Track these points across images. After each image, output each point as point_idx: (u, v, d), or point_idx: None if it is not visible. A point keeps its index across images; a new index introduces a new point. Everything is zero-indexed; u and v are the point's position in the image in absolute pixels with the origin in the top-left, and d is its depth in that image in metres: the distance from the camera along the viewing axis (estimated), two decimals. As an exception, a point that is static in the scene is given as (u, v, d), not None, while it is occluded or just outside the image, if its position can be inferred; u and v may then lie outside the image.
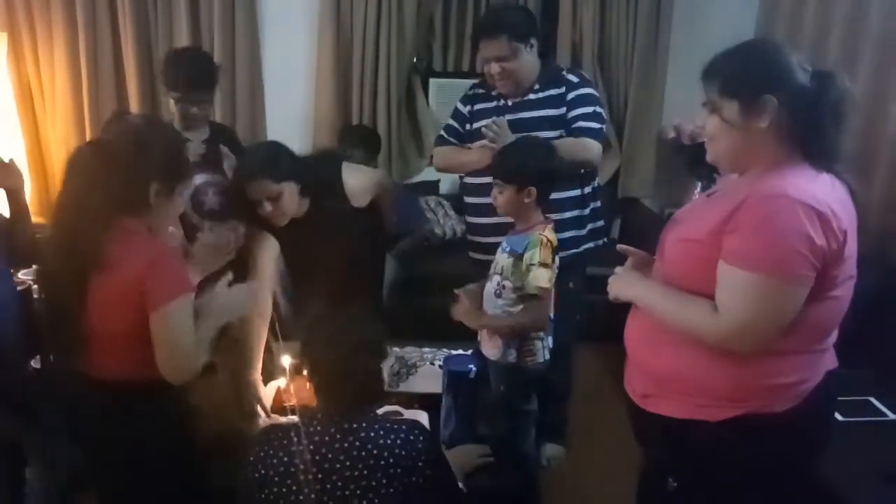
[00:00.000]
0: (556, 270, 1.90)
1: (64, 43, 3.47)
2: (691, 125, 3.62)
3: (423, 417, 1.84)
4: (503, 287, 1.93)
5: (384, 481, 1.37)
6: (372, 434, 1.39)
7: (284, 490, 1.37)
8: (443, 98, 3.85)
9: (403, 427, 1.44)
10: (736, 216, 1.27)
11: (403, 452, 1.39)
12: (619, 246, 1.58)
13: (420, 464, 1.40)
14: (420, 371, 2.20)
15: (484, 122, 2.24)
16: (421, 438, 1.43)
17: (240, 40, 3.51)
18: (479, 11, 3.74)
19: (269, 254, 2.15)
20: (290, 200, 2.02)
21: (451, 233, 3.66)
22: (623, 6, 3.56)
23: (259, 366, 2.04)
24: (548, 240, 1.88)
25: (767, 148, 1.32)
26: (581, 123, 2.23)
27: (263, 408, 1.98)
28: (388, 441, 1.39)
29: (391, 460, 1.38)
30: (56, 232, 1.52)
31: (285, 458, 1.38)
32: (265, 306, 2.10)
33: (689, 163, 3.72)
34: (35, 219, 3.39)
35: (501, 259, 1.96)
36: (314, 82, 3.63)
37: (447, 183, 3.93)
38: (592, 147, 2.21)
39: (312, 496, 1.35)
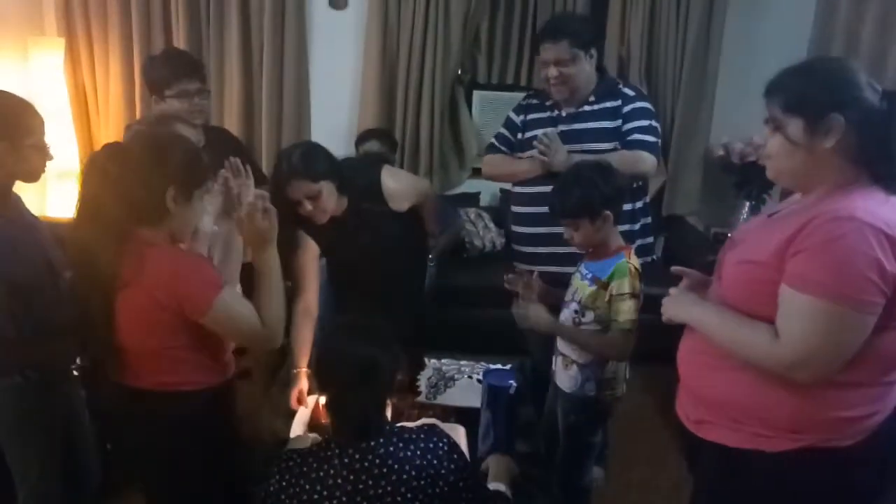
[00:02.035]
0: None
1: (119, 50, 3.56)
2: (741, 143, 3.54)
3: (460, 432, 1.81)
4: (582, 315, 1.88)
5: (409, 495, 1.34)
6: (391, 449, 1.36)
7: None
8: (486, 110, 3.85)
9: (422, 436, 1.41)
10: (800, 238, 1.22)
11: (425, 462, 1.36)
12: (673, 267, 1.53)
13: (443, 471, 1.37)
14: (458, 384, 2.17)
15: (536, 132, 2.24)
16: (440, 445, 1.40)
17: (288, 52, 3.56)
18: (526, 24, 3.73)
19: (310, 254, 2.16)
20: (329, 199, 2.05)
21: (490, 245, 3.64)
22: (673, 21, 3.50)
23: (304, 363, 2.04)
24: (635, 269, 1.83)
25: (832, 168, 1.27)
26: (636, 136, 2.22)
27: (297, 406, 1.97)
28: (408, 453, 1.36)
29: (413, 473, 1.35)
30: (77, 245, 1.50)
31: (307, 486, 1.35)
32: (311, 306, 2.11)
33: (738, 182, 3.64)
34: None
35: (581, 287, 1.89)
36: (359, 94, 3.66)
37: (487, 195, 3.92)
38: (647, 159, 2.20)
39: None
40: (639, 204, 2.35)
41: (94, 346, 1.53)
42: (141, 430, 1.56)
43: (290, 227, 2.06)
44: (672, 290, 1.51)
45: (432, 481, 1.36)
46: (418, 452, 1.37)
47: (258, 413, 2.05)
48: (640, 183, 2.35)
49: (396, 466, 1.35)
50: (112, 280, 1.43)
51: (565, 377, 1.94)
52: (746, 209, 3.64)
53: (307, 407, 1.96)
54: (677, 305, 1.46)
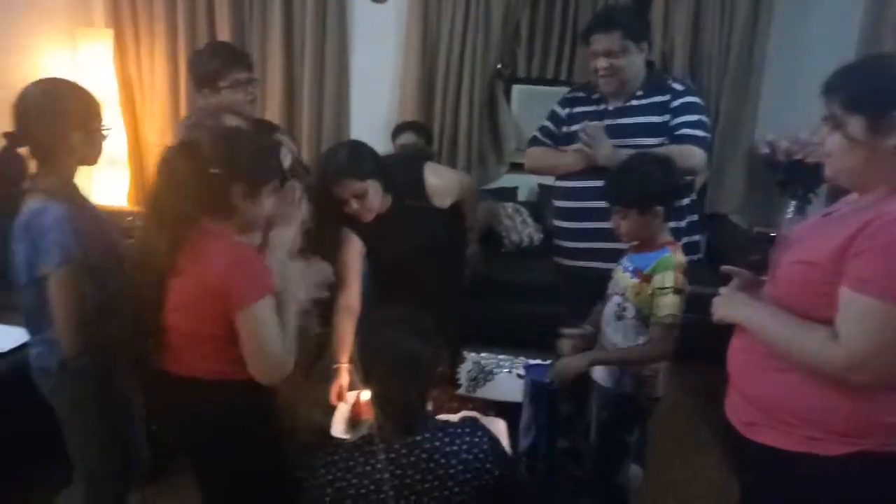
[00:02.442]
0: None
1: (164, 41, 3.62)
2: (787, 141, 3.46)
3: (500, 425, 1.81)
4: (624, 309, 1.86)
5: (456, 489, 1.35)
6: (437, 443, 1.37)
7: None
8: (525, 105, 3.83)
9: (467, 430, 1.42)
10: (861, 239, 1.19)
11: (471, 456, 1.37)
12: (723, 267, 1.50)
13: (488, 465, 1.38)
14: (497, 378, 2.18)
15: (581, 126, 2.21)
16: (484, 439, 1.41)
17: (330, 45, 3.58)
18: (567, 19, 3.71)
19: (354, 251, 2.17)
20: (375, 197, 2.06)
21: (528, 240, 3.62)
22: (718, 15, 3.43)
23: (345, 358, 2.05)
24: (680, 263, 1.78)
25: (893, 167, 1.24)
26: (686, 130, 2.18)
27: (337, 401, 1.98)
28: (455, 447, 1.37)
29: (460, 466, 1.36)
30: (142, 236, 1.53)
31: (354, 480, 1.36)
32: (353, 303, 2.11)
33: (783, 181, 3.57)
34: (132, 208, 3.61)
35: (623, 279, 1.87)
36: (398, 88, 3.67)
37: (525, 190, 3.90)
38: (697, 154, 2.15)
39: None
40: (686, 201, 2.30)
41: (143, 329, 1.55)
42: (185, 417, 1.59)
43: (334, 225, 2.11)
44: (722, 290, 1.47)
45: (477, 474, 1.37)
46: (464, 447, 1.38)
47: (297, 406, 2.07)
48: (689, 179, 2.30)
49: (443, 461, 1.35)
50: (167, 266, 1.46)
51: (604, 372, 1.92)
52: (791, 208, 3.56)
53: (347, 403, 1.97)
54: (729, 305, 1.43)
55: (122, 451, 1.87)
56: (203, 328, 1.49)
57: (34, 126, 1.62)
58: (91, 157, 1.72)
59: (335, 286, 2.10)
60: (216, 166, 1.47)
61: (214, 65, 2.25)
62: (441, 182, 2.22)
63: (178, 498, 2.29)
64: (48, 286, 1.59)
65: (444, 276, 2.32)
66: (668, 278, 1.75)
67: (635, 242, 1.89)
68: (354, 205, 2.03)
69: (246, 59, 2.32)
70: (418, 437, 1.37)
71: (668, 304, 1.75)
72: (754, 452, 1.39)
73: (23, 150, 1.65)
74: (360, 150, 2.08)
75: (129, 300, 1.56)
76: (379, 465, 1.35)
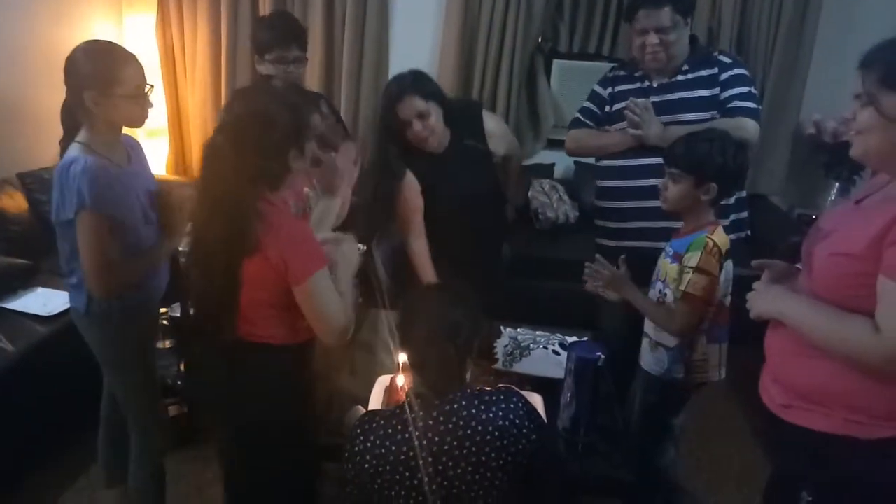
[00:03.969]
0: (729, 279, 1.77)
1: (206, 13, 3.64)
2: (834, 121, 3.38)
3: (537, 399, 1.83)
4: (664, 295, 1.85)
5: (493, 454, 1.37)
6: (473, 411, 1.39)
7: (398, 477, 1.38)
8: (565, 81, 3.78)
9: (501, 397, 1.43)
10: None
11: (507, 423, 1.39)
12: (754, 262, 1.48)
13: (525, 430, 1.40)
14: (533, 353, 2.18)
15: (625, 104, 2.18)
16: (520, 405, 1.43)
17: (371, 17, 3.57)
18: (611, -7, 3.62)
19: (413, 190, 2.23)
20: (438, 122, 2.16)
21: (563, 217, 3.61)
22: (768, -9, 3.35)
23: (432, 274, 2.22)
24: (714, 244, 1.74)
25: None
26: (737, 103, 2.15)
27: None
28: (490, 414, 1.39)
29: (496, 433, 1.37)
30: (206, 221, 1.54)
31: (393, 447, 1.39)
32: (419, 230, 2.26)
33: (828, 162, 3.49)
34: (171, 176, 3.68)
35: (664, 266, 1.86)
36: (438, 60, 3.65)
37: (562, 167, 3.87)
38: (749, 126, 2.11)
39: (426, 479, 1.36)
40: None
41: (213, 305, 1.58)
42: (241, 380, 1.63)
43: (396, 156, 2.20)
44: (756, 285, 1.46)
45: (514, 440, 1.39)
46: (500, 413, 1.39)
47: (335, 376, 2.12)
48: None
49: (480, 427, 1.37)
50: (247, 247, 1.48)
51: (652, 359, 1.92)
52: (835, 190, 3.49)
53: (382, 385, 1.99)
54: (765, 300, 1.42)
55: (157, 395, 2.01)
56: (261, 296, 1.54)
57: (67, 83, 1.71)
58: (124, 120, 1.77)
59: (396, 230, 2.27)
60: (267, 142, 1.49)
61: (266, 37, 2.30)
62: (498, 127, 2.33)
63: (216, 461, 2.37)
64: (73, 230, 1.68)
65: (494, 235, 2.39)
66: (695, 258, 1.74)
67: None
68: (417, 126, 2.13)
69: (299, 38, 2.34)
70: (455, 405, 1.39)
71: (687, 281, 1.73)
72: (790, 433, 1.39)
73: None
74: (424, 74, 2.19)
75: (194, 284, 1.61)
76: (417, 433, 1.38)
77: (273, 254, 1.49)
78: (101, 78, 1.68)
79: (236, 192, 1.48)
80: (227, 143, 1.48)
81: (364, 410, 1.81)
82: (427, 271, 2.24)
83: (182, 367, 2.57)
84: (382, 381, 1.95)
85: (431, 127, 2.15)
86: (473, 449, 1.37)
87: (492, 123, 2.31)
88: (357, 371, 2.07)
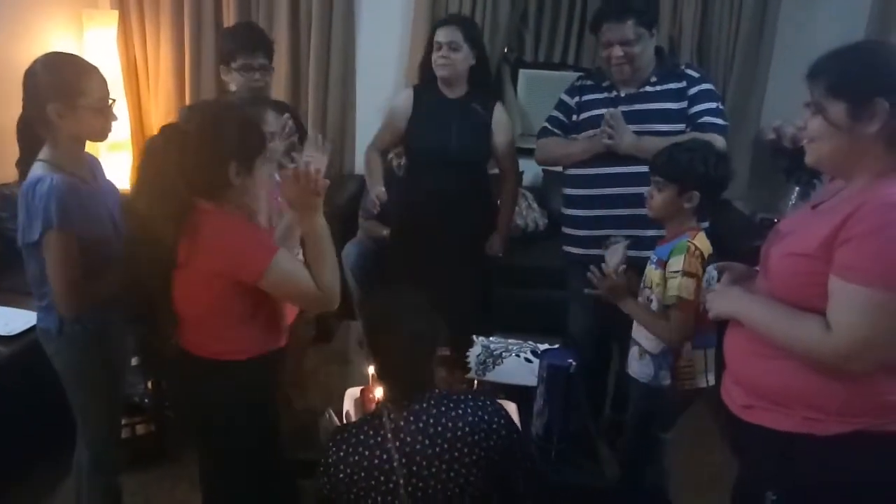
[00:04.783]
0: (713, 281, 1.78)
1: (169, 24, 3.61)
2: (793, 127, 3.45)
3: (511, 407, 1.84)
4: (650, 301, 1.86)
5: (465, 450, 1.40)
6: (443, 409, 1.42)
7: (373, 482, 1.39)
8: (532, 90, 3.82)
9: (469, 397, 1.47)
10: (848, 226, 1.20)
11: (476, 419, 1.42)
12: (713, 266, 1.52)
13: (495, 426, 1.43)
14: (506, 362, 2.19)
15: (593, 113, 2.21)
16: (488, 403, 1.46)
17: (336, 29, 3.57)
18: (575, 2, 3.67)
19: (404, 103, 2.49)
20: (464, 62, 2.37)
21: (533, 225, 3.64)
22: (727, 1, 3.43)
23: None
24: (696, 248, 1.78)
25: (874, 154, 1.24)
26: (707, 119, 2.19)
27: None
28: (460, 411, 1.42)
29: (467, 429, 1.41)
30: (137, 226, 1.51)
31: (366, 453, 1.40)
32: (381, 144, 2.54)
33: (788, 167, 3.56)
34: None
35: (651, 273, 1.89)
36: (405, 69, 3.65)
37: (530, 175, 3.89)
38: (720, 142, 2.16)
39: (401, 481, 1.37)
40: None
41: (154, 317, 1.56)
42: (195, 396, 1.61)
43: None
44: (716, 286, 1.49)
45: (486, 436, 1.41)
46: (469, 410, 1.43)
47: (299, 386, 2.10)
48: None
49: (450, 424, 1.40)
50: (171, 257, 1.45)
51: (640, 367, 1.93)
52: (795, 195, 3.56)
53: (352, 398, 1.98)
54: (723, 300, 1.45)
55: (119, 416, 1.96)
56: (208, 311, 1.52)
57: (25, 97, 1.67)
58: (87, 134, 1.72)
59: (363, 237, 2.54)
60: (207, 149, 1.46)
61: (231, 46, 2.29)
62: (505, 121, 2.50)
63: (193, 481, 2.32)
64: (41, 251, 1.64)
65: (469, 207, 2.48)
66: (679, 262, 1.76)
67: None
68: (444, 50, 2.34)
69: (264, 46, 2.33)
70: (424, 405, 1.42)
71: (674, 286, 1.76)
72: (751, 434, 1.42)
73: None
74: (477, 25, 2.55)
75: (134, 289, 1.57)
76: (389, 436, 1.40)
77: (217, 263, 1.46)
78: (64, 89, 1.64)
79: (171, 192, 1.44)
80: (167, 143, 1.45)
81: (333, 415, 1.82)
82: (375, 178, 2.42)
83: (149, 385, 2.52)
84: (352, 394, 1.95)
85: (454, 60, 2.34)
86: (445, 446, 1.39)
87: (502, 115, 2.49)
88: (328, 381, 2.06)
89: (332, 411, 1.86)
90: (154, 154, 1.47)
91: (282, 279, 1.50)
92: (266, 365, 1.61)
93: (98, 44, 3.54)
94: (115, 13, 3.59)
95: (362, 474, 1.39)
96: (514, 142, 2.61)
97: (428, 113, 2.45)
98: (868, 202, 1.20)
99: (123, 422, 2.21)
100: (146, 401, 2.52)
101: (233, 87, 2.29)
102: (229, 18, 3.55)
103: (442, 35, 2.36)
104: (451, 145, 2.40)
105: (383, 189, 2.33)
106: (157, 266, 1.48)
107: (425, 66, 2.46)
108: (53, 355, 1.81)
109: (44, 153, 1.68)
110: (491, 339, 2.31)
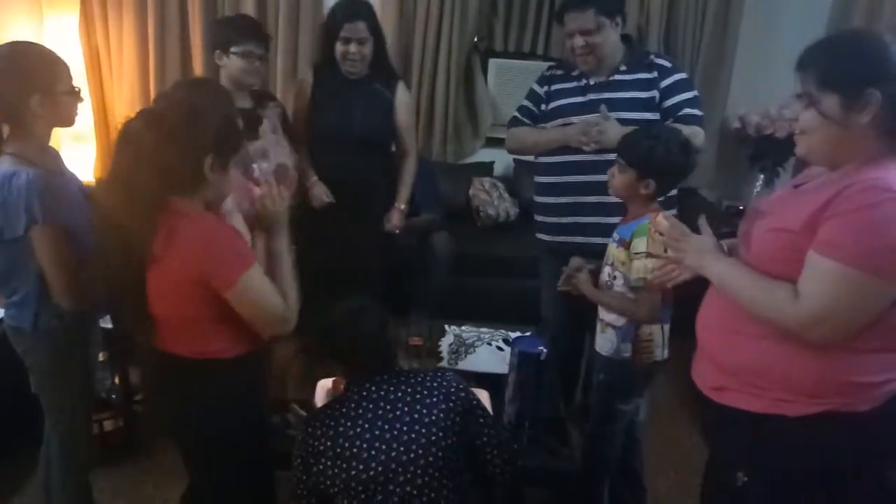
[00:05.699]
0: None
1: (133, 13, 3.52)
2: (757, 116, 3.53)
3: (483, 395, 1.85)
4: (614, 278, 1.88)
5: (424, 411, 1.47)
6: (402, 377, 1.53)
7: (339, 450, 1.45)
8: (502, 79, 3.82)
9: (428, 369, 1.62)
10: (834, 204, 1.23)
11: (435, 383, 1.52)
12: (700, 221, 1.51)
13: (453, 389, 1.52)
14: (478, 350, 2.21)
15: (562, 102, 2.21)
16: (447, 373, 1.56)
17: (304, 19, 3.53)
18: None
19: (303, 91, 2.53)
20: (370, 49, 2.41)
21: (504, 215, 3.65)
22: (693, -9, 3.47)
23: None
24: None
25: (866, 143, 1.27)
26: (688, 110, 2.19)
27: None
28: (419, 378, 1.53)
29: (425, 391, 1.50)
30: (108, 216, 1.43)
31: (332, 423, 1.47)
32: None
33: (753, 155, 3.64)
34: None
35: (612, 250, 1.91)
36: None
37: (501, 165, 3.91)
38: (700, 134, 2.17)
39: (364, 445, 1.44)
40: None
41: (127, 314, 1.53)
42: (173, 395, 1.58)
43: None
44: (695, 238, 1.47)
45: (445, 397, 1.50)
46: (428, 376, 1.54)
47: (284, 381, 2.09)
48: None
49: (410, 389, 1.50)
50: (144, 254, 1.40)
51: (603, 341, 1.94)
52: (760, 182, 3.65)
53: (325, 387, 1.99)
54: (700, 254, 1.43)
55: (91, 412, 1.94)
56: (187, 312, 1.47)
57: None
58: (61, 120, 1.69)
59: None
60: (185, 138, 1.40)
61: (231, 33, 2.26)
62: (407, 100, 2.58)
63: (162, 476, 2.31)
64: (21, 248, 1.60)
65: (373, 183, 2.55)
66: (642, 244, 1.78)
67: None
68: (352, 48, 2.37)
69: (266, 39, 2.33)
70: (386, 375, 1.53)
71: (640, 268, 1.78)
72: (723, 415, 1.44)
73: None
74: (373, 7, 2.44)
75: (109, 285, 1.52)
76: (353, 405, 1.48)
77: (192, 268, 1.41)
78: (42, 78, 1.60)
79: (144, 184, 1.37)
80: (144, 128, 1.39)
81: (297, 408, 1.85)
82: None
83: (116, 380, 2.49)
84: (324, 385, 1.95)
85: (364, 55, 2.39)
86: (406, 409, 1.48)
87: (404, 94, 2.55)
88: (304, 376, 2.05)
89: (294, 405, 1.86)
90: (130, 140, 1.39)
91: (251, 295, 1.45)
92: (248, 364, 1.57)
93: (59, 31, 3.45)
94: (77, 1, 3.49)
95: (328, 443, 1.46)
96: (412, 113, 2.71)
97: (331, 92, 2.47)
98: (856, 183, 1.22)
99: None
100: (114, 396, 2.48)
101: (227, 73, 2.26)
102: (194, 6, 3.48)
103: (350, 31, 2.36)
104: (354, 125, 2.44)
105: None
106: (129, 261, 1.43)
107: (326, 49, 2.46)
108: (26, 352, 1.76)
109: (10, 147, 1.63)
110: (463, 328, 2.33)
